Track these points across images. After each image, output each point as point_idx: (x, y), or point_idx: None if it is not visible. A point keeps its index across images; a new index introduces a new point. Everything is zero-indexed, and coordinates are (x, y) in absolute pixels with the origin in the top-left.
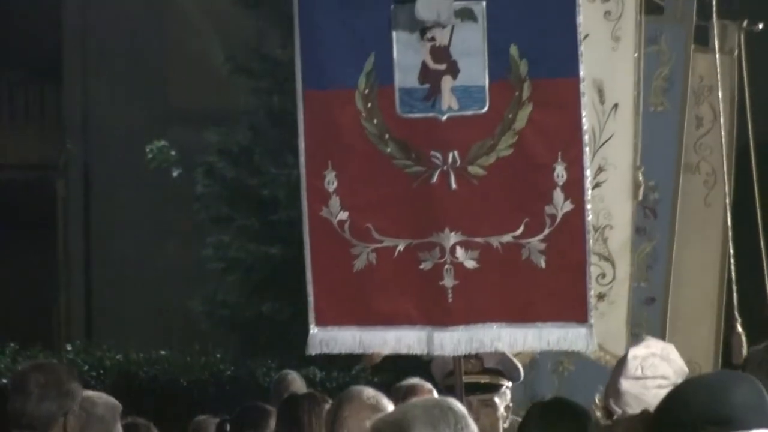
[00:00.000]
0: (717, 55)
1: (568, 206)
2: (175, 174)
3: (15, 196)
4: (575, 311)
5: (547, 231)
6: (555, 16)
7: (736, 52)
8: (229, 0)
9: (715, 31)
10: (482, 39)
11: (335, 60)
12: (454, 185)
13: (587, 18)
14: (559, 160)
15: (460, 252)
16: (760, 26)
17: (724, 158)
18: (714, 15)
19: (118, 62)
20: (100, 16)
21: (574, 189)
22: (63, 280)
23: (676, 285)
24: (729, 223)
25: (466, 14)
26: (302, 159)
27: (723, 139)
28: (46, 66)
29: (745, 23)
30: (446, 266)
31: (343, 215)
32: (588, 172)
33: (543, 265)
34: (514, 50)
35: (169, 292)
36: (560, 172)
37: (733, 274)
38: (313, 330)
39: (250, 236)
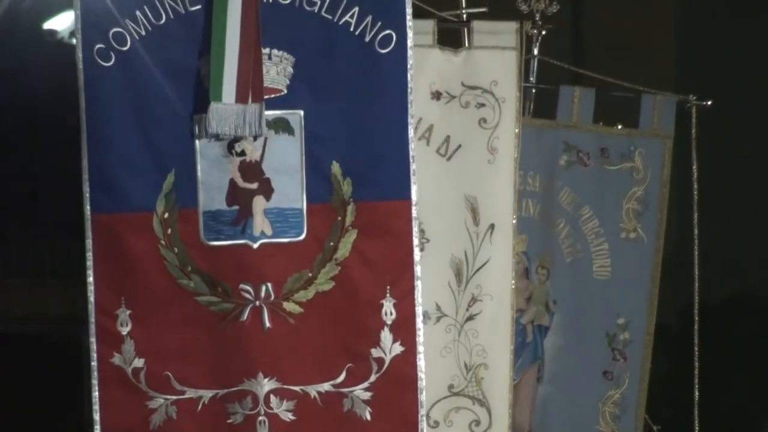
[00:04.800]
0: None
1: (397, 349)
2: None
3: (39, 350)
4: None
5: (373, 378)
6: (383, 129)
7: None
8: None
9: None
10: (299, 154)
11: (129, 178)
12: (267, 324)
13: (459, 126)
14: (388, 295)
15: (275, 401)
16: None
17: None
18: None
19: None
20: None
21: (405, 329)
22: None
23: None
24: None
25: (281, 125)
26: (91, 296)
27: None
28: (72, 221)
29: None
30: (260, 418)
31: (139, 362)
32: (420, 309)
33: (368, 417)
34: (336, 168)
35: None
36: (389, 309)
37: None
38: None
39: None
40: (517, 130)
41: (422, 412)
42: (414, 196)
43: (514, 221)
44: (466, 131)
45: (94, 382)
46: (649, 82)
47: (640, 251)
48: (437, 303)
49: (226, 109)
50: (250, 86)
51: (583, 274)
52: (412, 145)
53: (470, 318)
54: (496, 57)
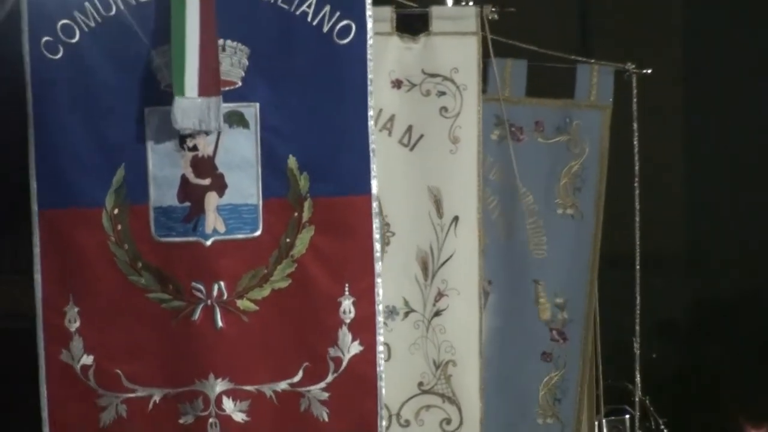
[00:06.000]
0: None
1: (356, 348)
2: None
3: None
4: None
5: (330, 378)
6: (342, 122)
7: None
8: None
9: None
10: (255, 148)
11: (78, 173)
12: (220, 323)
13: (421, 115)
14: (347, 293)
15: (227, 403)
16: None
17: None
18: None
19: None
20: None
21: (365, 328)
22: None
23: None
24: None
25: (235, 119)
26: (38, 293)
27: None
28: None
29: None
30: (211, 420)
31: (88, 359)
32: (380, 307)
33: (325, 417)
34: (292, 162)
35: None
36: (347, 307)
37: None
38: None
39: None
40: (479, 118)
41: (381, 412)
42: (374, 191)
43: (479, 214)
44: (428, 120)
45: (43, 379)
46: (658, 63)
47: (579, 228)
48: (405, 298)
49: (191, 103)
50: (213, 78)
51: (519, 252)
52: (372, 138)
53: (437, 314)
54: (456, 43)
